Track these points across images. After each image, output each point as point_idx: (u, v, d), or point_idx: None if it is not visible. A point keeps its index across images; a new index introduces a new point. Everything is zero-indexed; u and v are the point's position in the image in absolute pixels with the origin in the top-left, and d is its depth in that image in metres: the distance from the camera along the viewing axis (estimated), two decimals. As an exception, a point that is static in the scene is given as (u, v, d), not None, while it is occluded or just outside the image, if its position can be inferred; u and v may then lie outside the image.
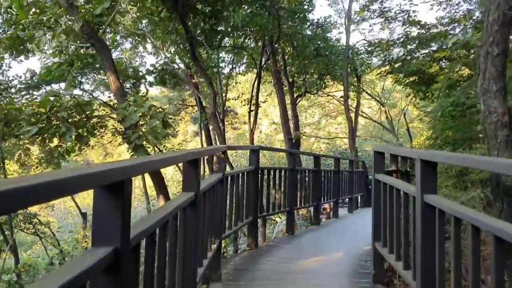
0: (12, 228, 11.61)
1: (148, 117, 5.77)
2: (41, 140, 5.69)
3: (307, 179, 8.72)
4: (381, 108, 25.87)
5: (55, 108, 5.67)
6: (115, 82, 7.60)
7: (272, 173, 7.01)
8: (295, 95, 16.75)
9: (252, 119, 11.75)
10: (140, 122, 6.47)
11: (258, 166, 6.24)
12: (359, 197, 13.41)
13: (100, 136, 8.80)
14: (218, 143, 10.08)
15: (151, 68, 11.15)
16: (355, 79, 18.87)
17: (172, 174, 28.11)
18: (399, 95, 27.00)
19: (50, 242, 14.35)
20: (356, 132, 17.66)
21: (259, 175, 6.34)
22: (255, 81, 12.39)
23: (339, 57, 15.90)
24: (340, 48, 16.77)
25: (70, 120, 5.81)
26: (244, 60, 16.10)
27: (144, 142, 7.08)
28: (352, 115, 19.04)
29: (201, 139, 13.01)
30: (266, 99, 16.40)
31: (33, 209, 14.80)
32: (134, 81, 10.86)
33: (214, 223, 4.39)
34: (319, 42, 15.90)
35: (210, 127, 15.39)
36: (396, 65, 12.24)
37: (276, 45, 13.63)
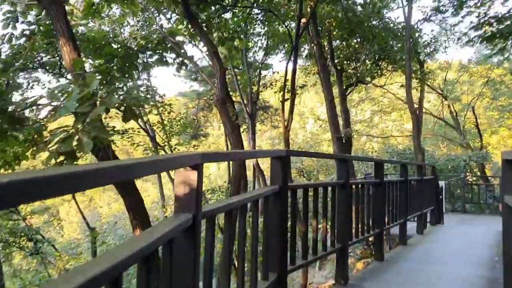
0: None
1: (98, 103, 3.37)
2: None
3: (365, 195, 6.00)
4: (443, 102, 22.45)
5: None
6: (70, 53, 5.25)
7: (311, 193, 4.37)
8: (344, 86, 13.91)
9: (286, 112, 8.99)
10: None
11: (286, 184, 3.64)
12: (428, 212, 10.50)
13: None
14: (230, 146, 7.45)
15: (143, 42, 8.54)
16: (417, 66, 15.69)
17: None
18: (464, 87, 23.43)
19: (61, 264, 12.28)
20: (421, 130, 14.58)
21: (288, 199, 3.75)
22: (289, 58, 9.62)
23: (397, 37, 12.93)
24: (398, 28, 13.75)
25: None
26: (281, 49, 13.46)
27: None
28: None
29: (226, 141, 10.33)
30: (305, 83, 13.45)
31: (33, 221, 12.87)
32: (124, 62, 8.23)
33: None
34: (374, 22, 13.05)
35: (243, 126, 12.87)
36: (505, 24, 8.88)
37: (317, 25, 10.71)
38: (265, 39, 11.75)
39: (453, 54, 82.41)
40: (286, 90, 8.81)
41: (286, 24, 10.02)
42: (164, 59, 8.59)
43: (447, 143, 24.75)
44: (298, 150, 26.76)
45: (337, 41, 14.50)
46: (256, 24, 10.55)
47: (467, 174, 18.73)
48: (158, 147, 12.72)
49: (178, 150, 13.83)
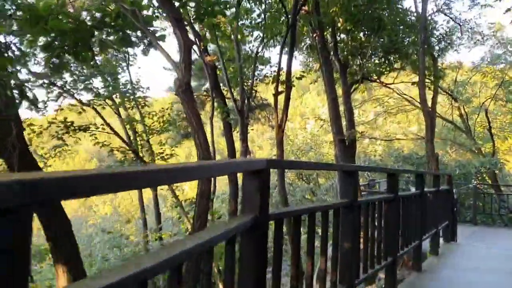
0: None
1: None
2: None
3: (375, 215, 4.70)
4: (453, 104, 21.09)
5: None
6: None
7: (307, 221, 3.07)
8: (348, 82, 12.55)
9: (280, 111, 7.57)
10: None
11: (265, 212, 2.34)
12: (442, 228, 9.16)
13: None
14: (199, 154, 5.97)
15: (98, 15, 6.85)
16: (431, 61, 14.29)
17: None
18: (476, 89, 22.05)
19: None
20: (434, 133, 13.19)
21: (271, 233, 2.47)
22: (284, 39, 8.19)
23: (409, 28, 11.58)
24: (411, 18, 12.41)
25: None
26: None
27: None
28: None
29: (198, 145, 7.63)
30: (303, 74, 11.92)
31: None
32: (76, 40, 6.51)
33: None
34: (382, 12, 11.73)
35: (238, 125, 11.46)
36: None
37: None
38: (259, 25, 10.33)
39: (464, 55, 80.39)
40: (280, 81, 7.45)
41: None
42: (128, 38, 7.07)
43: (455, 148, 23.42)
44: (290, 158, 25.41)
45: (342, 34, 13.21)
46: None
47: (478, 182, 17.42)
48: (128, 147, 11.22)
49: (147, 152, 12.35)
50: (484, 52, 20.44)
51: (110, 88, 10.51)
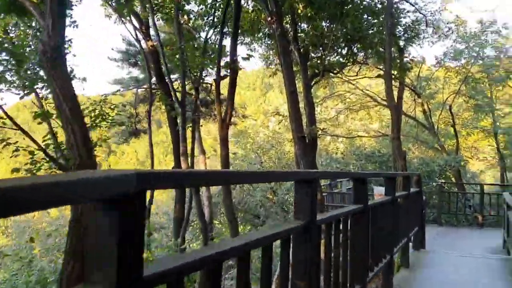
0: None
1: None
2: None
3: (341, 235, 3.62)
4: (416, 100, 20.55)
5: None
6: None
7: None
8: (309, 75, 11.53)
9: (226, 101, 6.37)
10: None
11: (134, 277, 1.18)
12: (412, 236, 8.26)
13: None
14: (74, 161, 4.48)
15: None
16: (397, 53, 13.46)
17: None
18: (439, 85, 21.59)
19: None
20: (400, 129, 12.30)
21: None
22: (226, 9, 6.97)
23: (375, 15, 10.68)
24: (376, 3, 11.52)
25: None
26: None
27: None
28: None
29: (73, 146, 4.85)
30: (250, 54, 10.69)
31: None
32: None
33: None
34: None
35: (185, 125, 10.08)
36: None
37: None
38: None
39: (426, 50, 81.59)
40: (223, 64, 6.28)
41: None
42: (19, 4, 5.44)
43: (418, 145, 22.96)
44: (250, 156, 24.35)
45: (303, 24, 12.20)
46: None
47: (442, 180, 16.85)
48: (37, 146, 9.58)
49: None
50: (447, 47, 20.01)
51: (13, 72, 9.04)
